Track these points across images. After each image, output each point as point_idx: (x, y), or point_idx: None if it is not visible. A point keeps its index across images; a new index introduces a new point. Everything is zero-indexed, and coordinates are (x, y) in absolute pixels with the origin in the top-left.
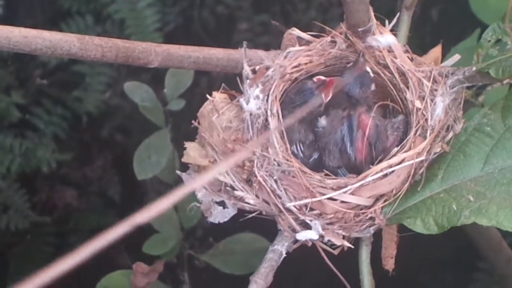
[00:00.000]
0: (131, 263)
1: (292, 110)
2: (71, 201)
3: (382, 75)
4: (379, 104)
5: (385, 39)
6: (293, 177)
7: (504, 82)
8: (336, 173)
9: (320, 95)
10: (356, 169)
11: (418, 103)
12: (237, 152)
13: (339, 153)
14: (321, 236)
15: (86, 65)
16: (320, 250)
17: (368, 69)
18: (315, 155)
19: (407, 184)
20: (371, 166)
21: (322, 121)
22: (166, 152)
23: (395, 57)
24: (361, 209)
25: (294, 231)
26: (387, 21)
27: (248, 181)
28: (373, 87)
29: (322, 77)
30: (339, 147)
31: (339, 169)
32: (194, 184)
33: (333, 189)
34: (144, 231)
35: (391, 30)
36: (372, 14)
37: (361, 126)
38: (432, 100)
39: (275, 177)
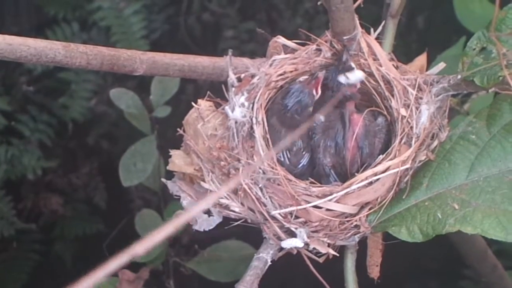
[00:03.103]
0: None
1: (284, 115)
2: (56, 208)
3: (367, 83)
4: (368, 110)
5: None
6: (278, 185)
7: (490, 90)
8: (328, 174)
9: (311, 91)
10: (345, 169)
11: (403, 111)
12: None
13: (335, 148)
14: (306, 244)
15: (72, 72)
16: (305, 258)
17: (352, 64)
18: (304, 161)
19: (392, 192)
20: (356, 173)
21: (320, 117)
22: (152, 159)
23: (380, 65)
24: (346, 217)
25: (279, 239)
26: (372, 29)
27: (234, 189)
28: (358, 84)
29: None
30: (335, 142)
31: (330, 170)
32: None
33: (318, 197)
34: (130, 238)
35: (377, 38)
36: (358, 22)
37: (352, 125)
38: (417, 108)
39: (260, 185)
